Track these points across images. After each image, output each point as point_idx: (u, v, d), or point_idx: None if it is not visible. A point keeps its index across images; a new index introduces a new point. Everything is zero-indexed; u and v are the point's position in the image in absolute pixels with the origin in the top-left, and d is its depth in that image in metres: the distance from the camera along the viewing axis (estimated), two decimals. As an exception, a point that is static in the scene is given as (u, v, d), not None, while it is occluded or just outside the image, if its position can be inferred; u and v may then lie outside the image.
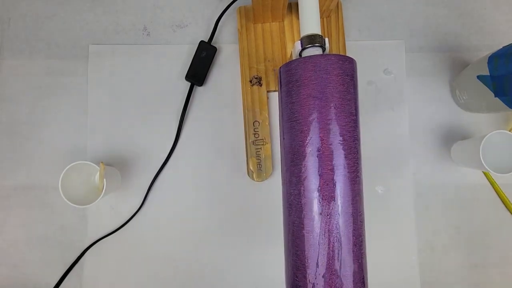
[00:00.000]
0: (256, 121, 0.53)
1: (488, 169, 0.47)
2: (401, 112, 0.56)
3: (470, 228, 0.55)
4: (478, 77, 0.48)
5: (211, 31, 0.56)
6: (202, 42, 0.55)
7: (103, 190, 0.46)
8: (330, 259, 0.37)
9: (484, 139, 0.47)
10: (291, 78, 0.40)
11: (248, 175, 0.53)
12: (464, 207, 0.55)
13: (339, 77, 0.39)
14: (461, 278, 0.54)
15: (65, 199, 0.46)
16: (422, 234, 0.55)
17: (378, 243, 0.54)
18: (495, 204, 0.55)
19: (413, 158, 0.56)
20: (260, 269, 0.54)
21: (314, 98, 0.38)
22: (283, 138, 0.41)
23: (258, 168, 0.53)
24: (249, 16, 0.55)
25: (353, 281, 0.37)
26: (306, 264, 0.37)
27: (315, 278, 0.37)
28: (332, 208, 0.37)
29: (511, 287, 0.54)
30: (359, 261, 0.38)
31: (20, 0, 0.57)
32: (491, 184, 0.55)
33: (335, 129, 0.38)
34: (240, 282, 0.54)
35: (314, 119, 0.38)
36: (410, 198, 0.55)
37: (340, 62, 0.39)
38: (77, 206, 0.47)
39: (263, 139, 0.53)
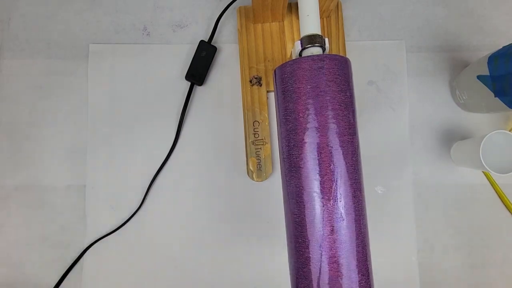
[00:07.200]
0: (256, 121, 0.53)
1: (488, 169, 0.47)
2: (401, 112, 0.56)
3: (470, 228, 0.55)
4: (478, 77, 0.48)
5: (211, 31, 0.56)
6: (202, 41, 0.55)
7: None
8: (334, 263, 0.37)
9: (484, 139, 0.47)
10: (286, 79, 0.40)
11: (248, 175, 0.53)
12: (464, 207, 0.55)
13: (334, 77, 0.39)
14: (461, 278, 0.54)
15: None
16: (422, 234, 0.55)
17: (378, 243, 0.54)
18: (495, 204, 0.55)
19: (413, 158, 0.56)
20: (260, 269, 0.54)
21: (310, 99, 0.38)
22: (281, 140, 0.41)
23: (258, 168, 0.53)
24: (249, 16, 0.55)
25: (359, 283, 0.37)
26: (310, 270, 0.37)
27: (318, 283, 0.37)
28: (334, 211, 0.37)
29: (511, 287, 0.54)
30: (364, 264, 0.38)
31: (20, 0, 0.57)
32: (491, 184, 0.55)
33: (332, 129, 0.38)
34: (240, 282, 0.54)
35: (310, 120, 0.38)
36: (410, 198, 0.55)
37: (334, 62, 0.39)
38: None
39: (263, 139, 0.53)
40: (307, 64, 0.39)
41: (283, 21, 0.55)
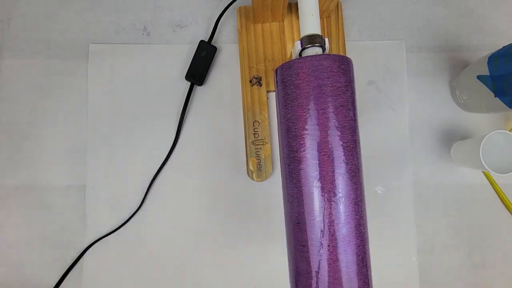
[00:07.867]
0: (256, 121, 0.53)
1: (488, 169, 0.47)
2: (401, 112, 0.56)
3: (470, 228, 0.55)
4: (478, 77, 0.48)
5: (211, 31, 0.56)
6: (202, 41, 0.55)
7: None
8: (333, 263, 0.37)
9: (484, 139, 0.47)
10: (288, 78, 0.40)
11: (248, 175, 0.53)
12: (464, 207, 0.55)
13: (336, 76, 0.39)
14: (461, 278, 0.54)
15: None
16: (421, 234, 0.55)
17: (378, 243, 0.54)
18: (495, 204, 0.55)
19: (413, 158, 0.56)
20: (260, 269, 0.54)
21: (312, 99, 0.38)
22: (281, 139, 0.41)
23: (258, 168, 0.53)
24: (249, 16, 0.55)
25: (358, 282, 0.37)
26: (310, 269, 0.37)
27: (317, 282, 0.37)
28: (333, 211, 0.37)
29: (511, 287, 0.54)
30: (364, 264, 0.38)
31: (20, 0, 0.57)
32: (491, 184, 0.55)
33: (333, 127, 0.38)
34: (240, 282, 0.54)
35: (311, 119, 0.38)
36: (410, 198, 0.55)
37: (336, 61, 0.39)
38: None
39: (263, 139, 0.53)
40: (310, 63, 0.39)
41: (283, 21, 0.55)
